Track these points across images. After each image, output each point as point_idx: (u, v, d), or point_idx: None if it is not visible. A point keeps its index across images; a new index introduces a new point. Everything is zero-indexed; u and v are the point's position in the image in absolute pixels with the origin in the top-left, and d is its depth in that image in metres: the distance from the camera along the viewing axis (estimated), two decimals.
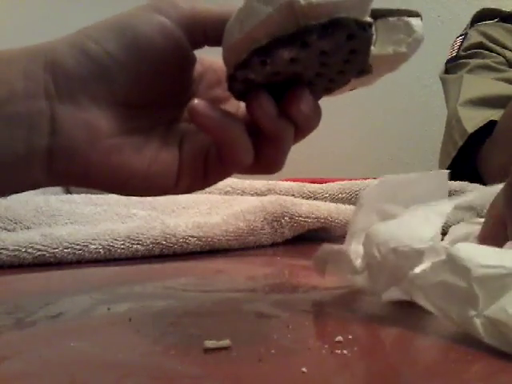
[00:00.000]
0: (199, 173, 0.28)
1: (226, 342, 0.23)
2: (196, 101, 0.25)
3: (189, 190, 0.28)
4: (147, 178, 0.26)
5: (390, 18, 0.26)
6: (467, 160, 0.94)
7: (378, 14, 0.25)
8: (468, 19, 1.16)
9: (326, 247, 0.32)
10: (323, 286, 0.35)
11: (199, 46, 0.27)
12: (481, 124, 0.90)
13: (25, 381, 0.20)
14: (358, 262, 0.29)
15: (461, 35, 1.08)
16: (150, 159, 0.26)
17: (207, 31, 0.26)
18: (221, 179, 0.29)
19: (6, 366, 0.21)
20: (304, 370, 0.21)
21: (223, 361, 0.22)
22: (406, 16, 0.26)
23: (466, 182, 0.61)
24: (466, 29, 1.09)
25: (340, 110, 1.79)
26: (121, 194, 0.28)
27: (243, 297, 0.33)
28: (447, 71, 1.07)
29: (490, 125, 0.90)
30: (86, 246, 0.41)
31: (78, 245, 0.41)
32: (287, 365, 0.21)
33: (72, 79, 0.25)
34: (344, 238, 0.53)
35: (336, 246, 0.31)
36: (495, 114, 0.89)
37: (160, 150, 0.27)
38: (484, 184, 0.61)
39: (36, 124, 0.24)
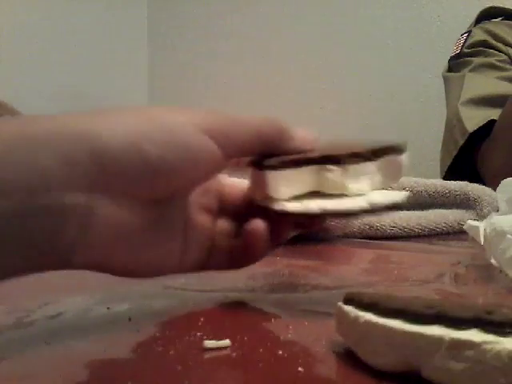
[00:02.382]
0: (203, 254, 0.30)
1: (225, 342, 0.23)
2: (258, 226, 0.29)
3: (191, 271, 0.30)
4: (160, 263, 0.28)
5: (389, 157, 0.29)
6: (468, 159, 0.94)
7: (382, 152, 0.29)
8: (468, 19, 1.16)
9: None
10: (323, 286, 0.35)
11: (231, 158, 0.28)
12: (481, 123, 0.90)
13: (25, 381, 0.20)
14: None
15: (465, 33, 1.08)
16: (166, 244, 0.28)
17: (241, 151, 0.28)
18: (224, 268, 0.32)
19: (5, 365, 0.21)
20: (300, 369, 0.21)
21: (223, 361, 0.22)
22: (398, 153, 0.30)
23: (466, 182, 0.60)
24: (470, 26, 1.09)
25: (340, 110, 1.79)
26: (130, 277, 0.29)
27: (243, 297, 0.33)
28: (450, 69, 1.07)
29: (491, 124, 0.90)
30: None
31: None
32: (286, 365, 0.21)
33: (121, 176, 0.24)
34: (344, 238, 0.53)
35: None
36: (496, 114, 0.89)
37: (168, 238, 0.28)
38: (484, 184, 0.61)
39: (68, 219, 0.22)
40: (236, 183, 0.32)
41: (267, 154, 0.29)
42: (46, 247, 0.23)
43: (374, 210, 0.27)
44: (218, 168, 0.28)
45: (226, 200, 0.32)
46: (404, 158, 0.30)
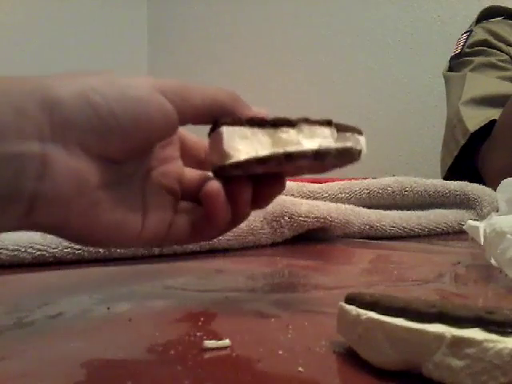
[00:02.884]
0: (163, 227, 0.30)
1: (225, 342, 0.23)
2: (213, 186, 0.29)
3: (150, 243, 0.30)
4: (118, 230, 0.28)
5: (347, 133, 0.30)
6: (469, 159, 0.94)
7: (339, 128, 0.30)
8: (468, 19, 1.15)
9: None
10: (323, 286, 0.35)
11: (186, 123, 0.29)
12: (482, 123, 0.90)
13: (24, 381, 0.20)
14: None
15: (466, 32, 1.08)
16: (125, 212, 0.28)
17: (196, 116, 0.29)
18: (185, 241, 0.32)
19: (5, 366, 0.21)
20: (300, 369, 0.21)
21: (223, 361, 0.22)
22: (357, 134, 0.31)
23: (466, 182, 0.60)
24: (471, 26, 1.09)
25: (339, 110, 1.79)
26: (87, 246, 0.29)
27: (243, 297, 0.33)
28: (451, 68, 1.07)
29: (492, 124, 0.90)
30: None
31: (77, 245, 0.41)
32: (286, 365, 0.21)
33: (71, 126, 0.24)
34: (344, 238, 0.53)
35: None
36: (497, 114, 0.89)
37: (127, 204, 0.28)
38: (484, 184, 0.61)
39: (25, 166, 0.23)
40: (194, 171, 0.33)
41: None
42: (5, 198, 0.23)
43: (324, 152, 0.28)
44: (172, 129, 0.28)
45: (188, 180, 0.33)
46: (362, 138, 0.31)
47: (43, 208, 0.24)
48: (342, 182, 0.61)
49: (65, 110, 0.24)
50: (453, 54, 1.07)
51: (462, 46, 1.05)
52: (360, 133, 0.31)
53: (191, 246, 0.45)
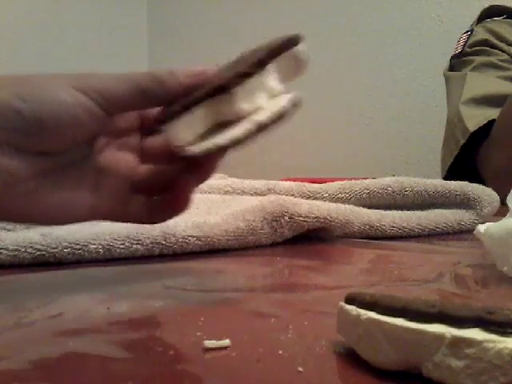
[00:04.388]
0: (118, 202, 0.33)
1: (225, 342, 0.23)
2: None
3: (106, 218, 0.34)
4: (63, 209, 0.30)
5: (284, 54, 0.29)
6: (469, 159, 0.94)
7: (275, 53, 0.29)
8: (468, 19, 1.15)
9: None
10: (323, 286, 0.35)
11: (114, 114, 0.31)
12: (482, 123, 0.90)
13: (25, 381, 0.20)
14: None
15: (467, 31, 1.07)
16: (70, 192, 0.31)
17: (122, 107, 0.31)
18: (142, 220, 0.35)
19: (5, 365, 0.21)
20: (300, 369, 0.21)
21: (223, 361, 0.22)
22: (291, 46, 0.29)
23: (466, 182, 0.60)
24: (472, 25, 1.09)
25: (339, 110, 1.79)
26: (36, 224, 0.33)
27: (243, 297, 0.33)
28: (452, 67, 1.07)
29: (492, 124, 0.90)
30: (86, 245, 0.41)
31: (77, 244, 0.41)
32: (286, 365, 0.21)
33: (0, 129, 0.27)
34: (343, 238, 0.53)
35: None
36: (497, 114, 0.89)
37: (74, 187, 0.31)
38: (484, 184, 0.61)
39: None
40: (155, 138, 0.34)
41: (156, 105, 0.31)
42: None
43: (262, 127, 0.27)
44: (99, 122, 0.30)
45: (148, 154, 0.34)
46: (299, 48, 0.30)
47: None
48: (342, 182, 0.61)
49: None
50: (453, 54, 1.07)
51: (463, 45, 1.05)
52: (296, 41, 0.29)
53: (191, 246, 0.45)
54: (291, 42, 0.29)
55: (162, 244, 0.44)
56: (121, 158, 0.33)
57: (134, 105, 0.31)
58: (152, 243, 0.43)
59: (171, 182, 0.33)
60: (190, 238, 0.45)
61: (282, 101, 0.28)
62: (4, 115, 0.27)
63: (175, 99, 0.30)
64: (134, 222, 0.35)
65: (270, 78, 0.29)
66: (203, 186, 0.39)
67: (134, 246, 0.43)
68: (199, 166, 0.33)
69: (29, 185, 0.28)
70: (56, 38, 2.00)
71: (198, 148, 0.29)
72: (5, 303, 0.30)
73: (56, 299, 0.31)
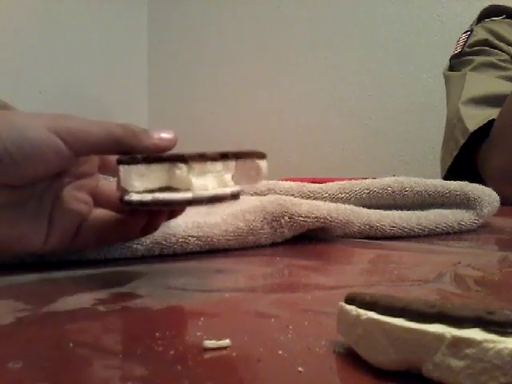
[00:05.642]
0: (68, 237, 0.35)
1: (225, 342, 0.23)
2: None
3: (54, 251, 0.36)
4: (19, 243, 0.33)
5: (247, 160, 0.33)
6: (469, 159, 0.94)
7: (239, 156, 0.33)
8: (468, 19, 1.15)
9: None
10: (323, 286, 0.35)
11: (81, 155, 0.34)
12: (482, 123, 0.90)
13: (25, 381, 0.20)
14: None
15: (466, 31, 1.07)
16: (27, 226, 0.32)
17: (91, 150, 0.33)
18: (90, 247, 0.38)
19: (5, 365, 0.21)
20: (300, 369, 0.21)
21: (223, 361, 0.22)
22: (257, 158, 0.34)
23: (466, 182, 0.60)
24: (472, 25, 1.08)
25: (339, 110, 1.79)
26: None
27: (243, 297, 0.33)
28: (451, 67, 1.07)
29: (492, 124, 0.89)
30: None
31: None
32: (286, 365, 0.21)
33: None
34: (343, 238, 0.53)
35: None
36: (497, 113, 0.89)
37: (31, 220, 0.33)
38: (484, 184, 0.61)
39: None
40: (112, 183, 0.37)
41: (124, 153, 0.33)
42: None
43: (197, 200, 0.31)
44: (66, 162, 0.32)
45: (101, 194, 0.37)
46: (262, 163, 0.34)
47: None
48: (342, 182, 0.61)
49: None
50: (453, 54, 1.07)
51: (463, 45, 1.05)
52: (262, 157, 0.34)
53: (191, 246, 0.45)
54: (257, 155, 0.34)
55: (162, 244, 0.44)
56: (78, 198, 0.35)
57: (104, 150, 0.33)
58: (152, 243, 0.43)
59: (120, 225, 0.36)
60: (190, 238, 0.45)
61: (226, 190, 0.32)
62: None
63: (142, 153, 0.33)
64: (82, 250, 0.38)
65: (227, 172, 0.33)
66: None
67: (134, 246, 0.43)
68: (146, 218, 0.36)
69: None
70: (56, 38, 2.00)
71: (138, 197, 0.32)
72: (4, 303, 0.30)
73: (57, 299, 0.31)
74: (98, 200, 0.37)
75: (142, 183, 0.32)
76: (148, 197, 0.31)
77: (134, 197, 0.32)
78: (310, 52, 1.87)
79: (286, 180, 0.68)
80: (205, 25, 2.14)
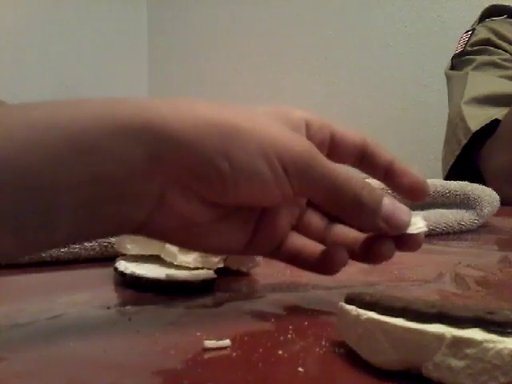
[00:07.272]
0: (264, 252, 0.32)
1: (225, 342, 0.23)
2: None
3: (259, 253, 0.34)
4: (222, 249, 0.31)
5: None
6: (471, 158, 0.93)
7: None
8: (468, 19, 1.15)
9: None
10: (323, 286, 0.35)
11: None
12: (484, 123, 0.90)
13: (25, 381, 0.20)
14: None
15: (468, 31, 1.07)
16: (228, 238, 0.29)
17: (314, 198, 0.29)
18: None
19: (5, 365, 0.21)
20: (300, 369, 0.21)
21: (223, 361, 0.22)
22: None
23: (466, 182, 0.60)
24: (474, 24, 1.08)
25: (339, 109, 1.79)
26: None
27: (243, 297, 0.33)
28: (453, 67, 1.06)
29: (494, 124, 0.89)
30: (82, 243, 0.41)
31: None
32: (286, 365, 0.21)
33: (196, 179, 0.26)
34: None
35: None
36: (499, 113, 0.89)
37: (240, 232, 0.30)
38: (485, 184, 0.61)
39: (143, 202, 0.25)
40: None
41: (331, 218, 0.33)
42: (117, 224, 0.26)
43: (169, 281, 0.33)
44: (285, 201, 0.29)
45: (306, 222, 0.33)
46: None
47: (147, 231, 0.27)
48: None
49: (195, 165, 0.25)
50: (455, 53, 1.07)
51: (465, 44, 1.04)
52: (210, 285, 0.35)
53: None
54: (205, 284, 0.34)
55: None
56: (281, 215, 0.31)
57: (327, 202, 0.29)
58: None
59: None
60: None
61: (200, 276, 0.34)
62: (204, 170, 0.25)
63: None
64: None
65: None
66: None
67: None
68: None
69: (195, 230, 0.28)
70: (56, 37, 2.00)
71: (123, 267, 0.34)
72: (4, 304, 0.30)
73: (55, 299, 0.31)
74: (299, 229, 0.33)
75: (134, 247, 0.35)
76: (129, 269, 0.34)
77: (122, 265, 0.34)
78: (310, 52, 1.87)
79: None
80: (205, 23, 2.14)
